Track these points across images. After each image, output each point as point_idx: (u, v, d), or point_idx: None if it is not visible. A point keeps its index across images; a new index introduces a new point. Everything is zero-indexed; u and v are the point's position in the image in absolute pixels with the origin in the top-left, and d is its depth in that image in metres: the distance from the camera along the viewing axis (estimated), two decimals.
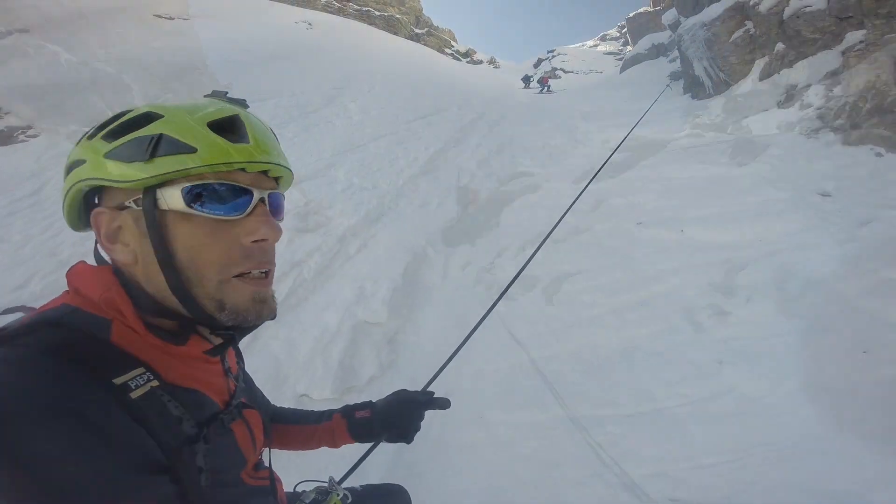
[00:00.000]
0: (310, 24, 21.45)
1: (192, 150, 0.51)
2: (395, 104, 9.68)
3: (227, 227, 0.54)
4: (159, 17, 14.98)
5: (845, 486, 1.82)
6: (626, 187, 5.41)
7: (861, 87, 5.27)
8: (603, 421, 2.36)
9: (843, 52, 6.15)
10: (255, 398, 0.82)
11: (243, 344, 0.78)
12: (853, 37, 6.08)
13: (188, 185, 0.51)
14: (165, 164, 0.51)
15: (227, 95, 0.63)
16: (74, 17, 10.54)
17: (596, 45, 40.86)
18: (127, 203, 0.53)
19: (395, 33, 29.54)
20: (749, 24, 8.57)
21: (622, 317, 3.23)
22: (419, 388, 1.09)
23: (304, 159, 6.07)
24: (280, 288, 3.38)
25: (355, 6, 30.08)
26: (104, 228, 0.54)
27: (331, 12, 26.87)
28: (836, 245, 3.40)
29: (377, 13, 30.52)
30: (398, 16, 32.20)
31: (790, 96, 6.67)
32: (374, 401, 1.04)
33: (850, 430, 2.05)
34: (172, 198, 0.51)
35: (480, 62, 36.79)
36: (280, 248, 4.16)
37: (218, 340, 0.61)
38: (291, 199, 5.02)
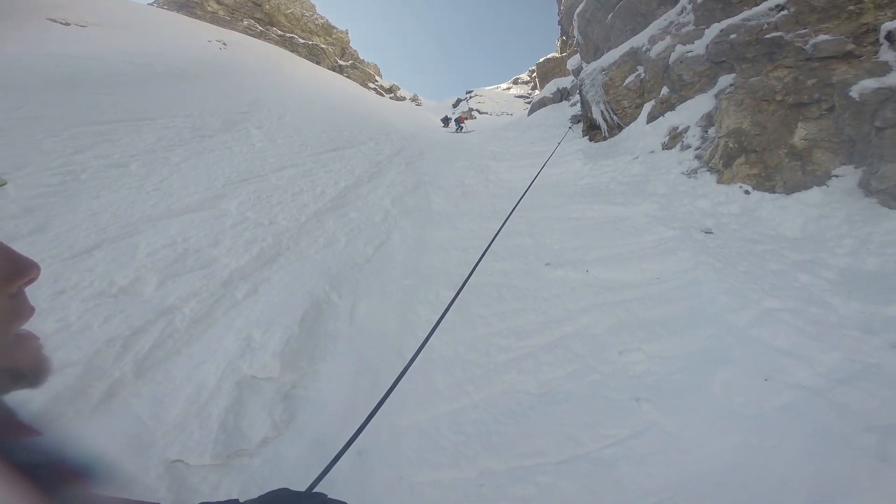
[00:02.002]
0: (224, 43, 20.11)
1: None
2: (305, 134, 9.10)
3: None
4: (53, 21, 13.05)
5: None
6: (534, 227, 5.42)
7: (730, 127, 5.80)
8: (532, 471, 2.22)
9: (716, 95, 6.55)
10: None
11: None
12: (725, 80, 6.55)
13: None
14: None
15: None
16: None
17: (508, 88, 44.11)
18: None
19: (318, 62, 28.93)
20: (640, 69, 9.21)
21: (537, 359, 3.10)
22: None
23: (189, 187, 5.23)
24: (142, 339, 2.93)
25: (278, 31, 29.03)
26: None
27: (252, 34, 25.54)
28: (721, 280, 3.55)
29: (301, 40, 29.78)
30: (323, 45, 31.77)
31: (673, 138, 7.24)
32: (240, 501, 0.78)
33: (770, 457, 2.03)
34: None
35: (404, 99, 37.53)
36: (147, 291, 3.41)
37: None
38: (168, 233, 4.22)
